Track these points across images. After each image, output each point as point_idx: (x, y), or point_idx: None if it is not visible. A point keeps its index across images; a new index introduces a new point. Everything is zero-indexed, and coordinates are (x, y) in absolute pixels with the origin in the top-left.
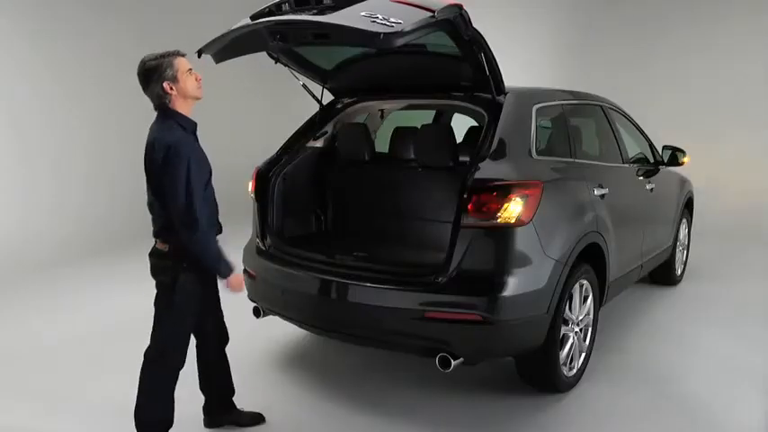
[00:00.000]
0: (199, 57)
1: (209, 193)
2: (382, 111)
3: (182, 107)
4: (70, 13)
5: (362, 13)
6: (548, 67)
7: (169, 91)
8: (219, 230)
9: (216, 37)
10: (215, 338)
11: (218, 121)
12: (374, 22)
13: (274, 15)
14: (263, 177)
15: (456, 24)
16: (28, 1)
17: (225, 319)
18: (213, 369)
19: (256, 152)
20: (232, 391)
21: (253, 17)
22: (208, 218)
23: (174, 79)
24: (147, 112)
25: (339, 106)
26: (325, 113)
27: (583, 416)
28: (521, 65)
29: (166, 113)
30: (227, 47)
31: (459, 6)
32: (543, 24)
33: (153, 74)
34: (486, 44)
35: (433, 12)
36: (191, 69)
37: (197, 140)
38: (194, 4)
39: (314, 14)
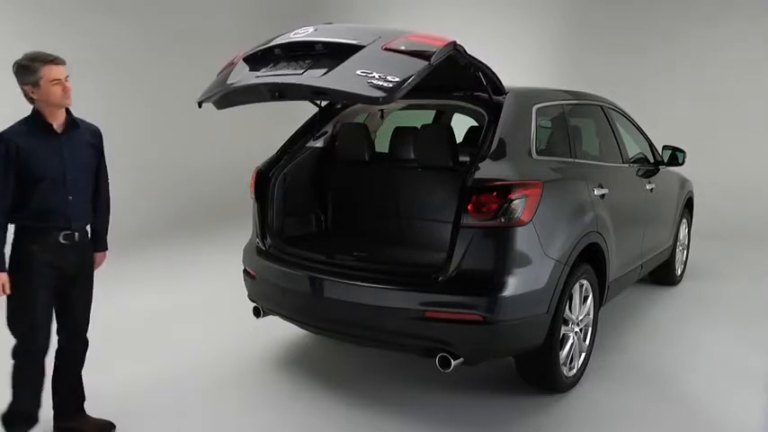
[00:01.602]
0: (200, 107)
1: (40, 190)
2: (382, 111)
3: (45, 110)
4: (70, 13)
5: (358, 72)
6: (547, 67)
7: (30, 94)
8: (61, 229)
9: (215, 89)
10: (75, 339)
11: (219, 122)
12: (370, 84)
13: (269, 62)
14: (263, 177)
15: (452, 58)
16: (28, 1)
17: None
18: (66, 369)
19: (256, 152)
20: (82, 397)
21: (246, 59)
22: (30, 213)
23: (36, 85)
24: (146, 112)
25: (339, 106)
26: (325, 113)
27: (583, 416)
28: (521, 65)
29: (32, 111)
30: (226, 98)
31: (453, 43)
32: (543, 25)
33: (20, 74)
34: (483, 64)
35: (429, 59)
36: (58, 80)
37: (63, 140)
38: (195, 4)
39: (308, 65)
